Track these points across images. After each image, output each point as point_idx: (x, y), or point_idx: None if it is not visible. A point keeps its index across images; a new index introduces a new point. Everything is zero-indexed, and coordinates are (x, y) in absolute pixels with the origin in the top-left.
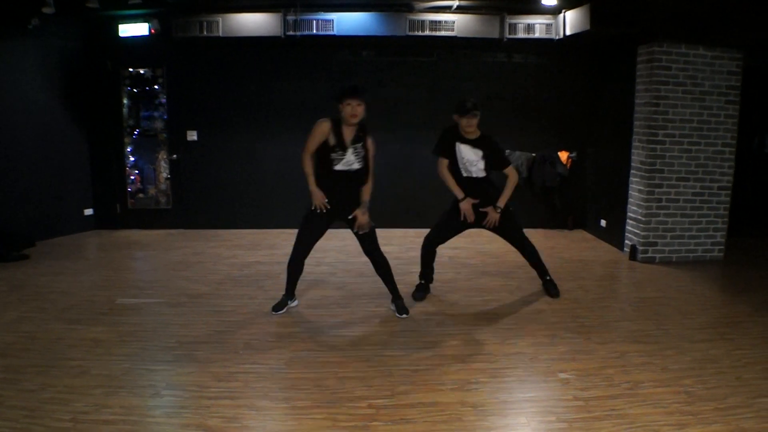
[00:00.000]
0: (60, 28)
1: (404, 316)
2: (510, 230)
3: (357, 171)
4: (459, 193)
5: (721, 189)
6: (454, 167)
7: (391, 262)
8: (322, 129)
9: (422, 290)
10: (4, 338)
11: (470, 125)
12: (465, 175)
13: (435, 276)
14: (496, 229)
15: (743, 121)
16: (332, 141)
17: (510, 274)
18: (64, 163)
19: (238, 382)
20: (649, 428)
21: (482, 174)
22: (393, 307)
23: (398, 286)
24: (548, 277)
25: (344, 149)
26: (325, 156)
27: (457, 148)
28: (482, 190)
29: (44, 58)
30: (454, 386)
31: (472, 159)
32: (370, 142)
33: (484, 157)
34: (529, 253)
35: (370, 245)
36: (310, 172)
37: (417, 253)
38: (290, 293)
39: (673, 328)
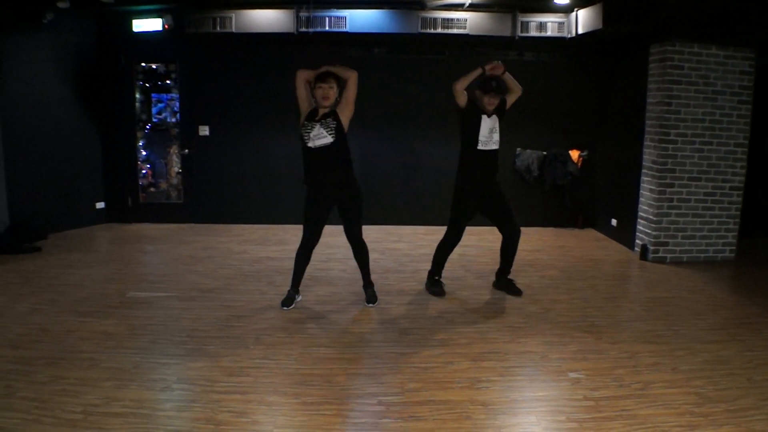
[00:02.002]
0: (74, 23)
1: (371, 305)
2: (509, 212)
3: (331, 146)
4: (478, 68)
5: (732, 189)
6: (471, 141)
7: (401, 259)
8: (309, 104)
9: (440, 285)
10: (15, 330)
11: (491, 104)
12: (480, 147)
13: (444, 274)
14: (497, 208)
15: (756, 121)
16: (306, 118)
17: (520, 272)
18: (77, 156)
19: (248, 377)
20: (660, 429)
21: (496, 146)
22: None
23: (409, 283)
24: (509, 277)
25: (313, 122)
26: (300, 138)
27: (482, 120)
28: (493, 164)
29: (58, 53)
30: (464, 384)
31: (493, 127)
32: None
33: (499, 119)
34: (515, 240)
35: (353, 228)
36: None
37: (427, 250)
38: (296, 287)
39: (683, 328)
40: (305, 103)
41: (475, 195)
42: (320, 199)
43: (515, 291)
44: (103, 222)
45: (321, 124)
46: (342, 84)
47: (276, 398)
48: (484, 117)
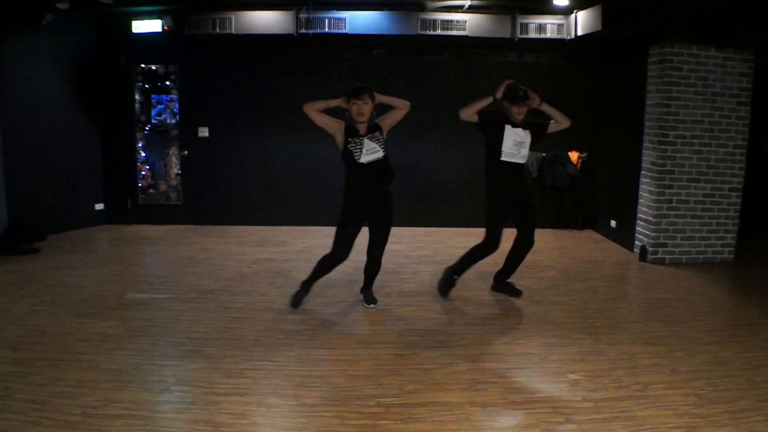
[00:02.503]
0: (74, 23)
1: (371, 306)
2: (533, 220)
3: (382, 160)
4: (489, 97)
5: (731, 190)
6: (493, 151)
7: (400, 261)
8: (337, 121)
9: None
10: (14, 331)
11: (520, 114)
12: (504, 159)
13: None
14: (523, 215)
15: (754, 123)
16: (346, 134)
17: (519, 273)
18: (76, 157)
19: (248, 379)
20: (659, 430)
21: (522, 160)
22: (361, 297)
23: (409, 284)
24: (509, 281)
25: (359, 137)
26: (346, 155)
27: (505, 130)
28: (518, 176)
29: (58, 54)
30: (464, 386)
31: (521, 141)
32: (381, 118)
33: (533, 137)
34: (525, 249)
35: (382, 246)
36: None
37: (427, 252)
38: (307, 288)
39: (682, 330)
40: (332, 125)
41: (504, 203)
42: (361, 215)
43: (515, 292)
44: (103, 223)
45: (370, 139)
46: (385, 106)
47: (275, 400)
48: (509, 128)
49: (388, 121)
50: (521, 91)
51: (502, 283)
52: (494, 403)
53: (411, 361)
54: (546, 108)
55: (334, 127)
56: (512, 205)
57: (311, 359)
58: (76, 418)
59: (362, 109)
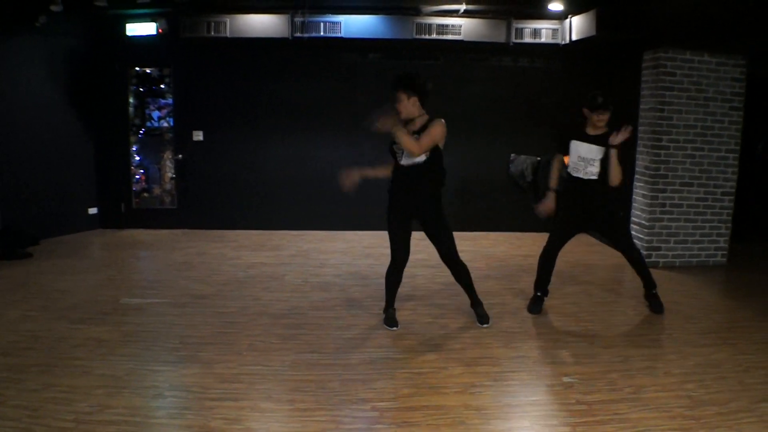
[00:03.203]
0: (67, 26)
1: (485, 326)
2: (619, 235)
3: (425, 164)
4: (552, 183)
5: (724, 194)
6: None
7: None
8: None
9: (539, 303)
10: (7, 337)
11: (601, 120)
12: (575, 175)
13: (439, 279)
14: (603, 232)
15: (747, 128)
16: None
17: (514, 277)
18: (70, 161)
19: (242, 384)
20: None
21: (593, 177)
22: (474, 314)
23: (404, 288)
24: (653, 291)
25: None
26: (390, 153)
27: (571, 146)
28: (585, 193)
29: (51, 57)
30: (458, 389)
31: (588, 157)
32: (434, 126)
33: (605, 154)
34: (635, 261)
35: (447, 249)
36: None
37: (422, 256)
38: (391, 303)
39: (676, 332)
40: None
41: (573, 212)
42: (403, 214)
43: (652, 308)
44: (96, 227)
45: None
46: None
47: (269, 405)
48: (574, 142)
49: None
50: (601, 98)
51: (647, 293)
52: (489, 406)
53: (405, 365)
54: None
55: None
56: (584, 218)
57: (305, 364)
58: (70, 424)
59: (398, 107)
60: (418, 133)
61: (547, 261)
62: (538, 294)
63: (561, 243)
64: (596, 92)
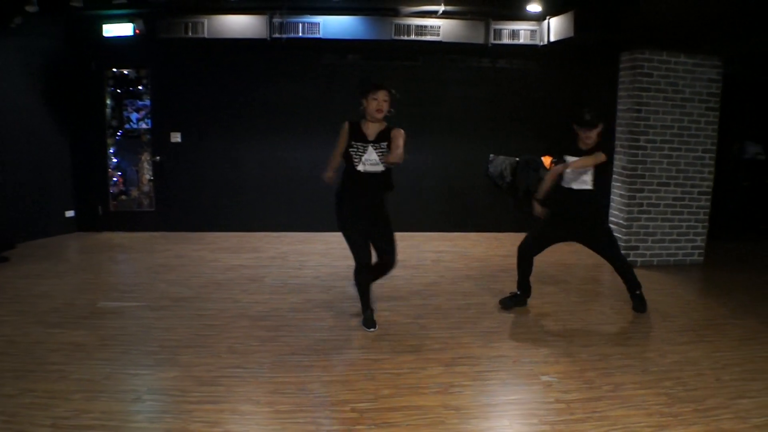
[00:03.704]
0: (43, 27)
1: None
2: (605, 246)
3: (382, 174)
4: (540, 193)
5: (701, 194)
6: (559, 178)
7: None
8: (344, 129)
9: (514, 300)
10: None
11: (589, 138)
12: (565, 186)
13: (418, 280)
14: (590, 244)
15: (723, 128)
16: (350, 136)
17: (493, 277)
18: (46, 164)
19: (221, 387)
20: (630, 430)
21: (585, 186)
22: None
23: (381, 290)
24: (638, 292)
25: (365, 142)
26: (347, 157)
27: (565, 161)
28: (579, 202)
29: (27, 58)
30: (437, 389)
31: (575, 173)
32: (396, 133)
33: (596, 169)
34: (621, 270)
35: (394, 252)
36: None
37: (401, 257)
38: (366, 305)
39: (653, 330)
40: (343, 143)
41: (561, 220)
42: (357, 219)
43: (636, 307)
44: (73, 231)
45: (375, 148)
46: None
47: (249, 407)
48: (568, 158)
49: (393, 145)
50: (588, 115)
51: (631, 294)
52: (468, 406)
53: (385, 366)
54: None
55: (340, 139)
56: (570, 228)
57: (285, 366)
58: (47, 429)
59: (382, 105)
60: (379, 140)
61: (523, 261)
62: (517, 292)
63: (539, 248)
64: (585, 109)
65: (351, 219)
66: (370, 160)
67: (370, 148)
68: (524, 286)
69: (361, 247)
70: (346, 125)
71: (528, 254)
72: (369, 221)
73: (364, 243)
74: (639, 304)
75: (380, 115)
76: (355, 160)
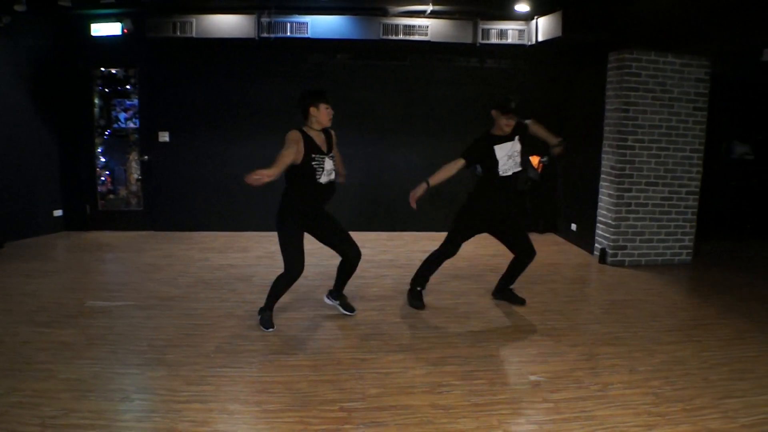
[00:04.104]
0: (31, 26)
1: (352, 313)
2: (521, 234)
3: (333, 182)
4: (431, 180)
5: (689, 194)
6: (491, 172)
7: (363, 265)
8: (297, 137)
9: (422, 297)
10: None
11: (509, 125)
12: (502, 175)
13: (406, 279)
14: (508, 231)
15: (711, 128)
16: (307, 148)
17: (481, 277)
18: (34, 163)
19: (209, 386)
20: (618, 429)
21: (519, 168)
22: (336, 303)
23: (371, 289)
24: (510, 287)
25: (322, 154)
26: (306, 170)
27: (495, 152)
28: (512, 188)
29: (14, 57)
30: (426, 389)
31: (510, 153)
32: (335, 141)
33: (521, 142)
34: (523, 263)
35: (355, 246)
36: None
37: (390, 256)
38: (270, 306)
39: (641, 330)
40: (294, 148)
41: (489, 216)
42: (304, 227)
43: (518, 300)
44: (61, 230)
45: (331, 158)
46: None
47: (237, 407)
48: (496, 148)
49: (339, 159)
50: (513, 102)
51: (507, 291)
52: (456, 405)
53: (373, 365)
54: (536, 130)
55: (296, 146)
56: (497, 220)
57: (273, 365)
58: (35, 429)
59: (331, 114)
60: (330, 149)
61: (441, 262)
62: (419, 289)
63: (461, 243)
64: (509, 96)
65: (297, 226)
66: (329, 171)
67: (327, 160)
68: (424, 284)
69: (299, 255)
70: (300, 135)
71: (450, 257)
72: (315, 225)
73: (301, 251)
74: (515, 297)
75: (329, 124)
76: (318, 174)
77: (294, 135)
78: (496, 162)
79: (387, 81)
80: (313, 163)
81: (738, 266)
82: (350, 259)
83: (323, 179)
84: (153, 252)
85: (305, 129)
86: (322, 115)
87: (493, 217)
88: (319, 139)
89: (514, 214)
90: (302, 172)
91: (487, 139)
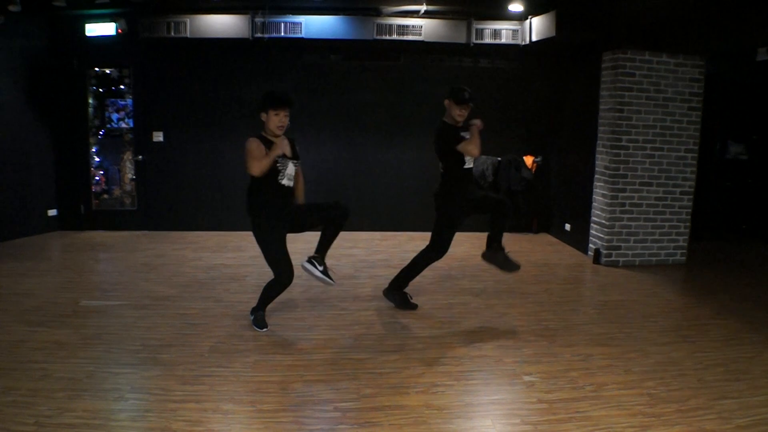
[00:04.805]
0: (26, 26)
1: (332, 284)
2: (490, 195)
3: (292, 189)
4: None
5: (683, 194)
6: (459, 164)
7: (357, 265)
8: (258, 145)
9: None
10: None
11: (461, 115)
12: (467, 166)
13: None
14: (483, 198)
15: (705, 128)
16: (269, 154)
17: (475, 277)
18: (28, 162)
19: (204, 386)
20: (613, 430)
21: (472, 164)
22: (318, 269)
23: (365, 289)
24: (405, 290)
25: (285, 158)
26: (271, 172)
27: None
28: (472, 179)
29: (9, 57)
30: (420, 389)
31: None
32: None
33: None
34: (507, 214)
35: (330, 214)
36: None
37: (383, 256)
38: (263, 307)
39: (636, 331)
40: (260, 153)
41: (463, 208)
42: (283, 227)
43: (511, 265)
44: (55, 229)
45: (294, 164)
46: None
47: (232, 406)
48: (465, 135)
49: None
50: (467, 93)
51: (497, 252)
52: (451, 405)
53: (367, 365)
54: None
55: (260, 152)
56: (468, 206)
57: (268, 365)
58: (30, 428)
59: (284, 121)
60: (294, 155)
61: (425, 267)
62: (406, 291)
63: (448, 247)
64: (462, 86)
65: (281, 233)
66: (290, 175)
67: (291, 164)
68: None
69: (287, 262)
70: (258, 141)
71: (440, 258)
72: (292, 219)
73: (288, 257)
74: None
75: (281, 132)
76: (280, 175)
77: (251, 144)
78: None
79: (380, 81)
80: (277, 164)
81: (733, 267)
82: (338, 220)
83: (284, 181)
84: (147, 251)
85: (263, 134)
86: (271, 122)
87: (469, 205)
88: (281, 144)
89: (476, 193)
90: (265, 173)
91: (452, 129)
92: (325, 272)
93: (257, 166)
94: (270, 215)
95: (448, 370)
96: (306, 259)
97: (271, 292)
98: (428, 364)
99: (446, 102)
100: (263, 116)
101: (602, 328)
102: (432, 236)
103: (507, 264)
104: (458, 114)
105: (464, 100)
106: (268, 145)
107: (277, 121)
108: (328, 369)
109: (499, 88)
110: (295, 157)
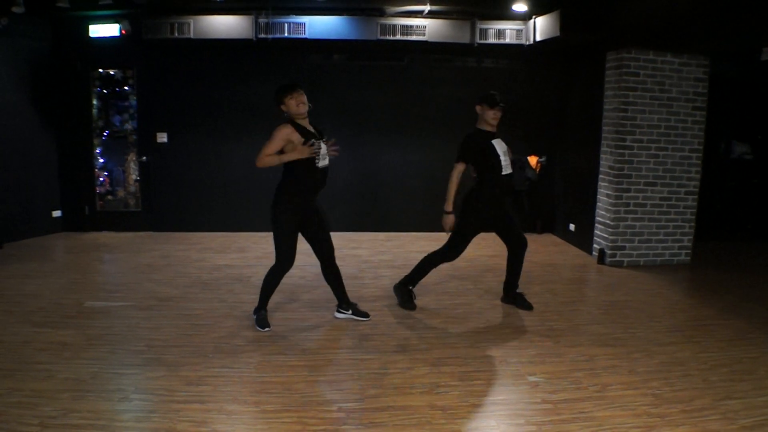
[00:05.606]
0: (29, 28)
1: (367, 319)
2: (516, 227)
3: (327, 169)
4: (449, 206)
5: (688, 193)
6: (495, 168)
7: (361, 266)
8: (285, 131)
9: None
10: None
11: (496, 118)
12: (504, 173)
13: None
14: (509, 221)
15: (710, 127)
16: (305, 135)
17: (479, 277)
18: (32, 164)
19: (208, 386)
20: (618, 430)
21: (511, 170)
22: (348, 313)
23: (369, 289)
24: (411, 287)
25: (318, 139)
26: (305, 159)
27: (495, 147)
28: (509, 188)
29: (13, 59)
30: (424, 389)
31: (505, 149)
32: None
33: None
34: (516, 252)
35: (332, 248)
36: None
37: (387, 257)
38: (264, 305)
39: (640, 331)
40: (286, 139)
41: (491, 216)
42: (300, 220)
43: (526, 305)
44: (60, 230)
45: (325, 143)
46: None
47: (236, 407)
48: (495, 143)
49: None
50: (498, 96)
51: (512, 294)
52: (455, 406)
53: (371, 366)
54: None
55: (287, 137)
56: (497, 217)
57: (271, 365)
58: (35, 428)
59: (302, 99)
60: (315, 133)
61: (438, 265)
62: (411, 288)
63: (465, 248)
64: (493, 91)
65: (295, 218)
66: (324, 154)
67: (323, 144)
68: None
69: (292, 249)
70: (291, 128)
71: (450, 260)
72: (307, 221)
73: (294, 246)
74: (523, 302)
75: (304, 109)
76: (316, 158)
77: (279, 132)
78: (498, 158)
79: (384, 81)
80: (313, 150)
81: (737, 267)
82: (330, 261)
83: (320, 163)
84: (151, 252)
85: (294, 120)
86: (291, 106)
87: (496, 215)
88: (310, 127)
89: (506, 209)
90: (301, 159)
91: (479, 135)
92: (356, 313)
93: (264, 160)
94: (294, 200)
95: (453, 370)
96: (336, 310)
97: (270, 279)
98: (432, 365)
99: (478, 108)
100: (283, 108)
101: (606, 329)
102: (450, 237)
103: (524, 305)
104: (492, 117)
105: (497, 103)
106: (301, 130)
107: (295, 103)
108: (332, 369)
109: (503, 88)
110: (322, 136)
